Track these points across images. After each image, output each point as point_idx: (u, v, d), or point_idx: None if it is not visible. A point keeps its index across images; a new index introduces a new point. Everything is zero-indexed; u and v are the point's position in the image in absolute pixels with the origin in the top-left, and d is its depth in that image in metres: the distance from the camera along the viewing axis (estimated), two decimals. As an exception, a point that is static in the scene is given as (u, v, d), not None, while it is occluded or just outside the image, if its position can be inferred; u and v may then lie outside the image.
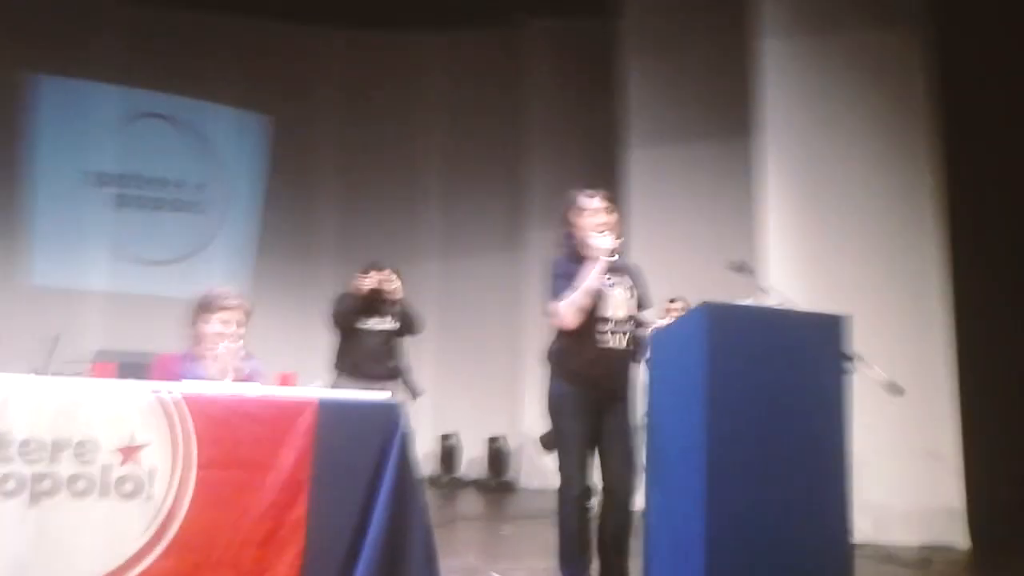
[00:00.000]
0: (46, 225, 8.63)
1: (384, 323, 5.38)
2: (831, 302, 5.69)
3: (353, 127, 9.49)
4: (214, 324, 3.40)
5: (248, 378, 3.38)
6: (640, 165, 7.64)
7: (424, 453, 8.58)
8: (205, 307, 3.47)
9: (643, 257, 7.55)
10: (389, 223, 9.26)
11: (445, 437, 8.46)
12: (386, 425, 2.93)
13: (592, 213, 3.61)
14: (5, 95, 8.49)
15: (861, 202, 6.02)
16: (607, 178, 8.03)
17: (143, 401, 2.72)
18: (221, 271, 9.12)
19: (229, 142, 9.39)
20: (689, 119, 7.52)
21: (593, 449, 3.55)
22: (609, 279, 3.53)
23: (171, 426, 2.72)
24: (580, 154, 8.60)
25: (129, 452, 2.69)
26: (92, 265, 8.73)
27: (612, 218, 3.63)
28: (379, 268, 5.38)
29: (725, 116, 7.19)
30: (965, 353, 5.75)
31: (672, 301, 6.25)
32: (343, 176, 9.53)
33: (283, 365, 8.41)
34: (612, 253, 3.49)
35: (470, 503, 7.37)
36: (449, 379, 8.76)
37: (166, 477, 2.70)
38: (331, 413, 2.88)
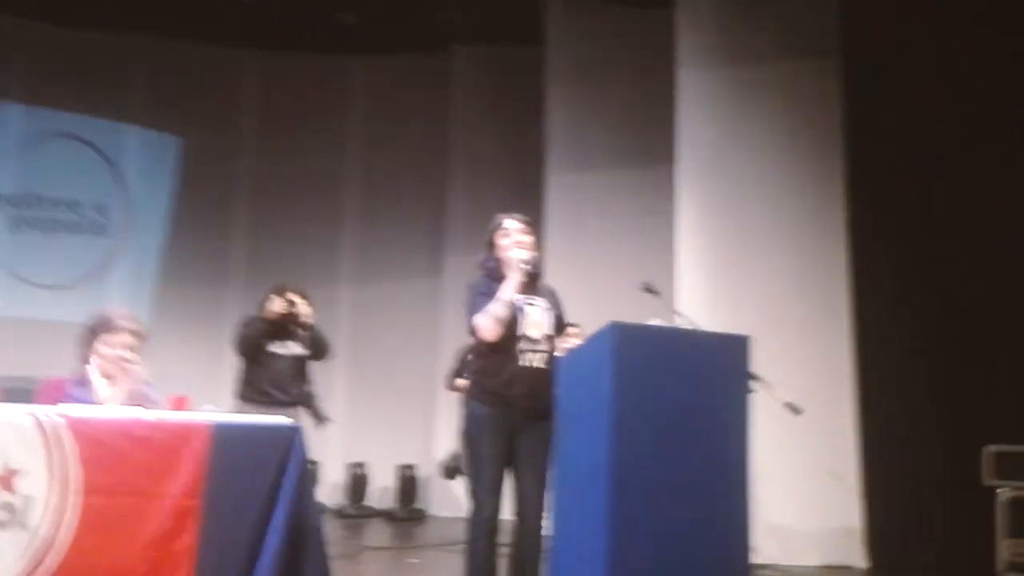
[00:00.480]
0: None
1: (293, 347, 5.23)
2: (738, 323, 5.77)
3: (269, 151, 9.28)
4: (116, 347, 3.22)
5: (140, 403, 3.23)
6: (560, 191, 7.72)
7: (332, 482, 8.38)
8: (107, 328, 3.29)
9: (561, 281, 7.54)
10: (303, 248, 9.05)
11: (354, 465, 8.27)
12: (283, 450, 2.83)
13: (509, 233, 3.67)
14: None
15: (770, 227, 6.22)
16: (529, 204, 8.04)
17: (20, 424, 2.57)
18: (120, 295, 8.74)
19: (135, 163, 9.07)
20: (611, 146, 7.64)
21: (505, 472, 3.53)
22: (526, 298, 3.56)
23: (49, 451, 2.57)
24: (503, 180, 8.61)
25: (5, 479, 2.53)
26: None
27: (529, 238, 3.70)
28: (284, 291, 5.24)
29: (647, 143, 7.33)
30: (867, 374, 5.94)
31: (570, 326, 6.28)
32: (257, 200, 9.30)
33: (186, 392, 8.11)
34: (527, 264, 3.53)
35: (378, 533, 7.20)
36: (360, 406, 8.59)
37: (43, 504, 2.54)
38: (226, 438, 2.77)
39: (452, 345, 6.86)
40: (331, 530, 7.24)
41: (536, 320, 3.56)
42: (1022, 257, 5.33)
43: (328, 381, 8.24)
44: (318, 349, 5.33)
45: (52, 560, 2.51)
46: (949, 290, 5.66)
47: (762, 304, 6.03)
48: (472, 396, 3.62)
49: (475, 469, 3.54)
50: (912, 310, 5.75)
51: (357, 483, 8.21)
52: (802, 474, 5.87)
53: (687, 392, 3.33)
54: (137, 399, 3.24)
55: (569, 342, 5.31)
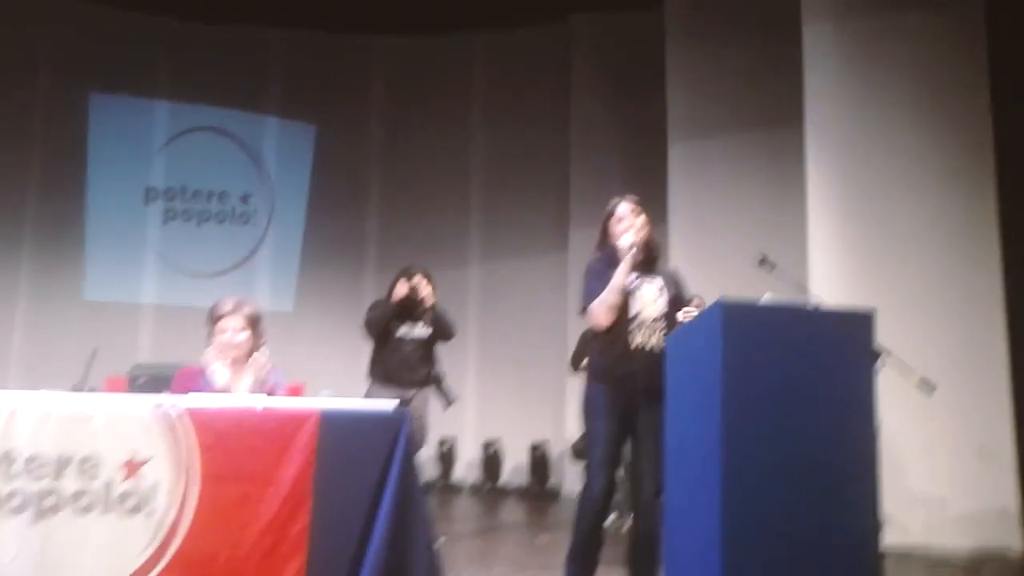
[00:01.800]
0: (98, 240, 8.85)
1: (417, 330, 5.40)
2: (877, 295, 5.55)
3: (396, 132, 9.53)
4: (219, 334, 3.42)
5: (270, 391, 3.38)
6: (682, 159, 7.48)
7: (467, 461, 8.58)
8: (218, 315, 3.50)
9: (686, 252, 7.49)
10: (433, 228, 9.25)
11: (487, 444, 8.41)
12: (389, 435, 2.90)
13: (620, 218, 3.69)
14: (60, 115, 8.73)
15: (911, 191, 5.79)
16: (652, 173, 7.91)
17: (146, 416, 2.74)
18: (266, 281, 9.25)
19: (275, 153, 9.51)
20: (735, 111, 7.33)
21: (621, 450, 3.57)
22: (637, 278, 3.57)
23: (174, 440, 2.73)
24: (625, 150, 8.48)
25: (132, 467, 2.71)
26: (141, 278, 8.93)
27: (639, 220, 3.69)
28: (411, 274, 5.39)
29: (773, 107, 6.99)
30: (1020, 348, 5.50)
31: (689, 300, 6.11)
32: (387, 181, 9.57)
33: (330, 373, 8.57)
34: (635, 248, 3.53)
35: (511, 511, 7.30)
36: (492, 385, 8.72)
37: (168, 492, 2.71)
38: (333, 424, 2.86)
39: (580, 322, 6.83)
40: (466, 507, 7.48)
41: (649, 300, 3.55)
42: None
43: (460, 359, 8.44)
44: (441, 329, 5.45)
45: (176, 544, 2.67)
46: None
47: (904, 274, 5.67)
48: (589, 376, 3.69)
49: (589, 447, 3.59)
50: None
51: (491, 461, 8.34)
52: (953, 452, 5.52)
53: (802, 371, 3.16)
54: (268, 387, 3.40)
55: (686, 315, 5.28)
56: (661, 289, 3.61)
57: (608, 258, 3.66)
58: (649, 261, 3.66)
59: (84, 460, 2.68)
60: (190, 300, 8.84)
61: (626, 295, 3.53)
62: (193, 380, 3.57)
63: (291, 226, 9.41)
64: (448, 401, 5.53)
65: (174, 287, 8.94)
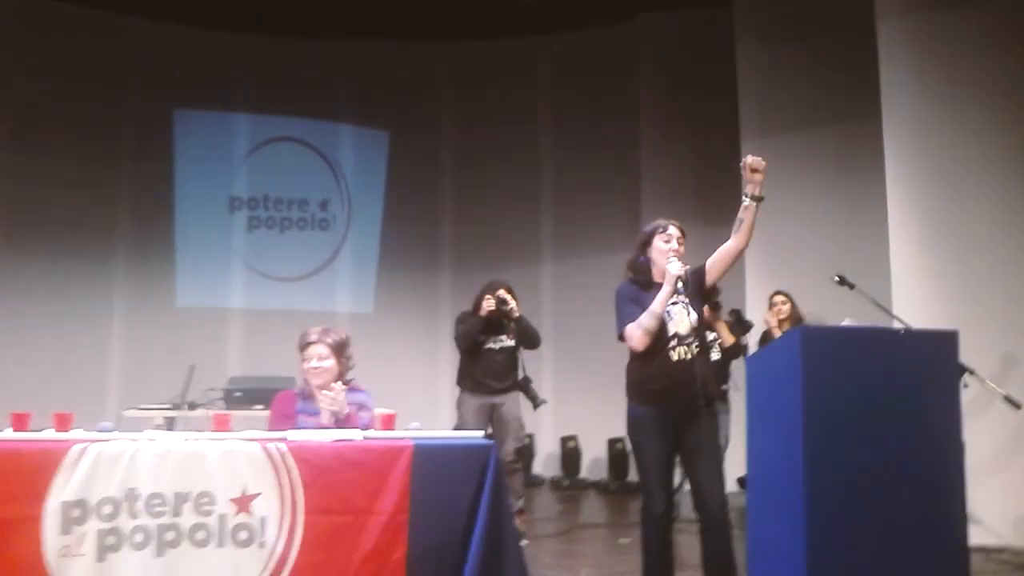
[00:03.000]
0: (187, 249, 9.24)
1: (503, 341, 5.70)
2: (958, 308, 5.48)
3: (467, 136, 9.70)
4: (307, 361, 3.64)
5: (352, 416, 3.56)
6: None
7: (546, 455, 8.73)
8: (299, 346, 3.71)
9: (760, 256, 7.44)
10: (506, 229, 9.41)
11: (566, 440, 8.55)
12: (479, 464, 3.05)
13: (671, 238, 3.69)
14: (148, 132, 9.12)
15: (995, 191, 5.66)
16: (724, 173, 7.86)
17: (253, 453, 2.94)
18: (347, 284, 9.54)
19: (351, 160, 9.77)
20: (807, 109, 7.26)
21: (673, 467, 3.64)
22: (673, 300, 3.59)
23: (278, 476, 2.93)
24: (696, 148, 8.46)
25: (242, 502, 2.91)
26: (229, 284, 9.29)
27: (682, 248, 3.70)
28: (495, 289, 5.63)
29: (845, 104, 6.92)
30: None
31: (776, 294, 6.10)
32: (459, 184, 9.75)
33: (408, 371, 8.76)
34: (682, 279, 3.54)
35: (591, 507, 7.43)
36: (568, 380, 8.84)
37: (276, 524, 2.90)
38: (426, 455, 3.02)
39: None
40: (547, 503, 7.64)
41: (681, 319, 3.59)
42: None
43: (536, 355, 8.54)
44: (527, 339, 5.76)
45: (286, 573, 2.87)
46: None
47: (984, 280, 5.56)
48: (630, 397, 3.74)
49: (641, 468, 3.68)
50: None
51: (570, 456, 8.48)
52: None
53: (886, 392, 3.21)
54: (350, 411, 3.58)
55: (774, 313, 5.32)
56: (688, 307, 3.62)
57: (639, 275, 3.72)
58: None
59: (200, 496, 2.89)
60: (275, 303, 9.20)
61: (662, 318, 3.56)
62: (290, 406, 3.79)
63: (368, 231, 9.68)
64: (535, 404, 5.77)
65: (259, 292, 9.29)
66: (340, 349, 3.75)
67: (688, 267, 3.60)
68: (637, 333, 3.55)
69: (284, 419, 3.80)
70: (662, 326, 3.55)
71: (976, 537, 4.85)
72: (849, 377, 3.18)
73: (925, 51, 5.81)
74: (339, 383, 3.66)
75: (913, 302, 5.50)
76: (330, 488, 2.94)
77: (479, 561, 2.91)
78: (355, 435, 3.10)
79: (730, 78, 7.59)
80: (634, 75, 8.78)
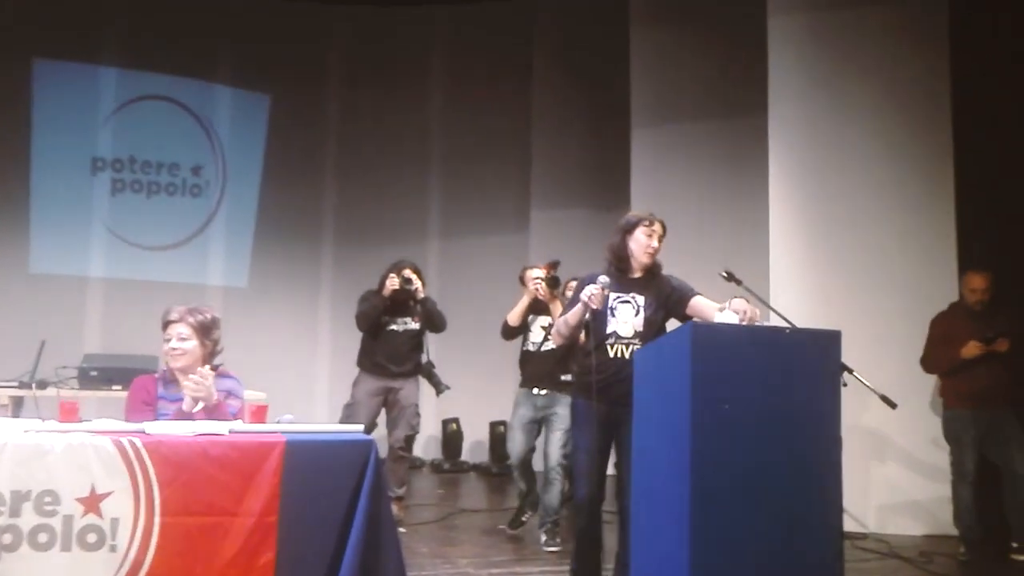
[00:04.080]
0: (43, 211, 8.56)
1: (408, 323, 5.57)
2: (836, 301, 5.63)
3: (354, 103, 9.32)
4: (167, 341, 3.40)
5: (220, 405, 3.31)
6: (645, 143, 7.45)
7: (427, 438, 8.57)
8: (164, 323, 3.44)
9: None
10: (391, 202, 9.14)
11: (447, 422, 8.41)
12: (357, 462, 2.86)
13: (650, 234, 3.72)
14: (3, 79, 8.36)
15: (873, 194, 5.84)
16: (615, 157, 7.87)
17: (103, 449, 2.66)
18: (220, 255, 9.06)
19: (227, 123, 9.24)
20: (699, 96, 7.30)
21: (605, 458, 3.71)
22: (621, 296, 3.66)
23: (132, 474, 2.66)
24: (588, 132, 8.42)
25: (91, 502, 2.63)
26: (89, 251, 8.67)
27: (660, 246, 3.78)
28: (400, 269, 5.44)
29: (736, 95, 6.98)
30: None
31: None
32: (344, 154, 9.39)
33: (285, 348, 8.42)
34: (596, 292, 3.55)
35: (471, 492, 7.33)
36: (451, 362, 8.66)
37: (130, 526, 2.64)
38: (299, 453, 2.81)
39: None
40: (427, 487, 7.50)
41: (624, 319, 3.66)
42: None
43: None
44: (433, 323, 5.66)
45: (140, 580, 2.62)
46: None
47: (865, 274, 5.74)
48: (574, 389, 3.93)
49: (574, 456, 3.85)
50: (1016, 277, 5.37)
51: (451, 439, 8.36)
52: (905, 447, 5.68)
53: (770, 391, 3.20)
54: (218, 398, 3.33)
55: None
56: (640, 308, 3.68)
57: (616, 259, 3.76)
58: (650, 276, 3.75)
59: (42, 495, 2.60)
60: (140, 273, 8.65)
61: (602, 313, 3.64)
62: (149, 391, 3.49)
63: (244, 199, 9.20)
64: (439, 390, 5.67)
65: (123, 260, 8.72)
66: (205, 331, 3.47)
67: (606, 293, 3.61)
68: (555, 332, 3.87)
69: (142, 406, 3.50)
70: (602, 322, 3.63)
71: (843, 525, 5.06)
72: (735, 374, 3.16)
73: (814, 47, 5.91)
74: (206, 367, 3.40)
75: (790, 298, 5.62)
76: (191, 487, 2.69)
77: (354, 566, 2.73)
78: (221, 429, 2.85)
79: (626, 63, 7.55)
80: (530, 53, 8.65)
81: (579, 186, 8.47)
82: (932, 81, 5.74)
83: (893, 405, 4.20)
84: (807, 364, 3.29)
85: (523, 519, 5.49)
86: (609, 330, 3.64)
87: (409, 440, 5.69)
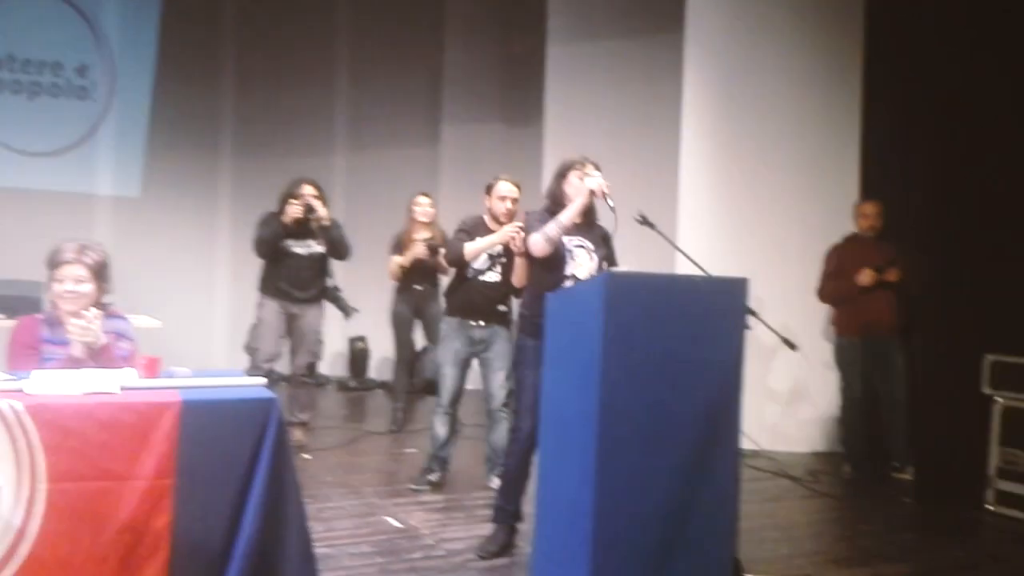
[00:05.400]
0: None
1: (311, 246, 5.34)
2: (746, 246, 5.71)
3: (257, 6, 8.76)
4: (60, 282, 3.18)
5: (108, 348, 3.15)
6: (561, 61, 7.26)
7: (333, 355, 8.46)
8: (49, 264, 3.22)
9: (559, 159, 7.38)
10: (295, 112, 8.73)
11: (354, 340, 8.32)
12: (258, 421, 2.75)
13: (581, 178, 3.69)
14: None
15: (789, 132, 5.89)
16: (528, 73, 7.67)
17: (-21, 412, 2.47)
18: (109, 162, 8.54)
19: (114, 19, 8.56)
20: (615, 13, 7.11)
21: None
22: (577, 240, 3.68)
23: (13, 438, 2.49)
24: (502, 47, 8.16)
25: (-33, 470, 2.46)
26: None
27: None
28: (300, 190, 5.21)
29: (654, 15, 6.82)
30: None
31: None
32: (244, 55, 8.89)
33: (180, 264, 8.08)
34: (601, 193, 3.59)
35: (377, 412, 7.29)
36: (359, 278, 8.51)
37: (12, 494, 2.49)
38: (196, 412, 2.67)
39: (449, 217, 6.72)
40: (333, 407, 7.44)
41: (582, 263, 3.68)
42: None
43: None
44: (337, 250, 5.44)
45: (25, 550, 2.48)
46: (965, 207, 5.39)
47: (771, 210, 5.82)
48: (520, 329, 3.87)
49: (517, 392, 3.88)
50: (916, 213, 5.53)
51: (358, 357, 8.29)
52: (799, 371, 5.91)
53: (679, 339, 3.22)
54: (107, 341, 3.16)
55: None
56: (592, 252, 3.72)
57: (554, 204, 3.72)
58: (589, 222, 3.75)
59: (-91, 464, 2.42)
60: (23, 181, 8.10)
61: (563, 254, 3.64)
62: (33, 335, 3.29)
63: (136, 103, 8.63)
64: (347, 314, 5.59)
65: (4, 167, 8.12)
66: (100, 271, 3.27)
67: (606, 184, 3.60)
68: (540, 240, 3.61)
69: (26, 350, 3.29)
70: (560, 263, 3.61)
71: (743, 443, 5.26)
72: (646, 322, 3.16)
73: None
74: (93, 309, 3.20)
75: (699, 239, 5.66)
76: (78, 452, 2.54)
77: (255, 528, 2.66)
78: (112, 387, 2.69)
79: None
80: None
81: (492, 101, 8.26)
82: (845, 18, 5.74)
83: (794, 347, 4.32)
84: (715, 312, 3.31)
85: (432, 478, 4.85)
86: (568, 272, 3.64)
87: (311, 367, 5.60)
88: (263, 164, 8.14)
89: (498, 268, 4.58)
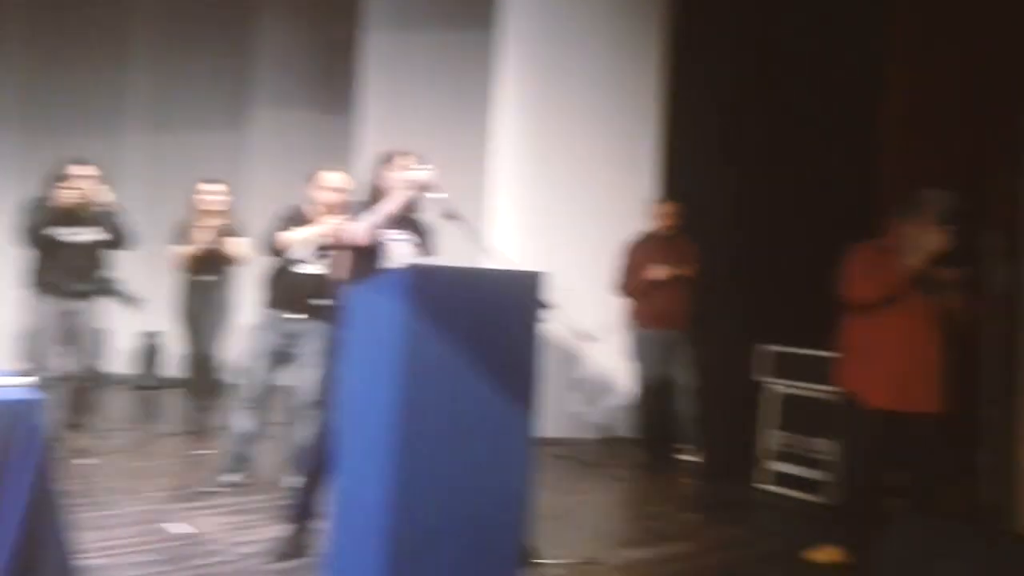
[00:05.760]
0: None
1: (86, 234, 4.91)
2: (551, 224, 5.85)
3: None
4: None
5: None
6: (378, 50, 7.12)
7: (123, 351, 7.93)
8: None
9: (376, 142, 7.25)
10: (87, 89, 8.10)
11: (146, 335, 7.84)
12: (15, 428, 2.51)
13: (408, 165, 3.63)
14: None
15: (587, 118, 6.10)
16: (342, 60, 7.47)
17: None
18: None
19: None
20: (433, 3, 7.06)
21: None
22: (394, 233, 3.59)
23: None
24: (315, 32, 7.92)
25: None
26: None
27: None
28: (68, 171, 4.77)
29: (470, 4, 6.83)
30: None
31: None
32: (32, 32, 8.14)
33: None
34: (424, 187, 3.54)
35: (168, 410, 6.89)
36: (154, 270, 8.03)
37: None
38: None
39: (255, 205, 6.48)
40: (124, 405, 6.97)
41: (400, 255, 3.58)
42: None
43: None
44: (119, 240, 5.05)
45: None
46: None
47: (578, 204, 6.02)
48: (337, 323, 3.65)
49: (329, 387, 3.67)
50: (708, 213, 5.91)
51: (150, 353, 7.84)
52: (597, 360, 6.15)
53: (477, 334, 3.25)
54: None
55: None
56: (412, 246, 3.66)
57: (373, 195, 3.64)
58: (408, 216, 3.66)
59: None
60: None
61: (383, 247, 3.55)
62: None
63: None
64: (127, 305, 5.23)
65: None
66: None
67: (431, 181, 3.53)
68: (359, 232, 3.51)
69: None
70: (374, 255, 3.50)
71: (541, 432, 5.41)
72: (446, 315, 3.17)
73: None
74: None
75: (508, 234, 5.78)
76: None
77: (11, 546, 2.43)
78: None
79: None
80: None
81: (304, 87, 8.04)
82: (649, 21, 6.01)
83: (591, 339, 4.50)
84: (512, 304, 3.37)
85: (230, 478, 4.62)
86: (382, 265, 3.55)
87: (91, 369, 5.19)
88: (52, 139, 7.50)
89: (320, 260, 4.40)
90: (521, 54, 6.09)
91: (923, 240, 3.74)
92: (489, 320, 3.29)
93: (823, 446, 4.89)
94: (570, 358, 6.13)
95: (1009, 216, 4.20)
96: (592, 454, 5.86)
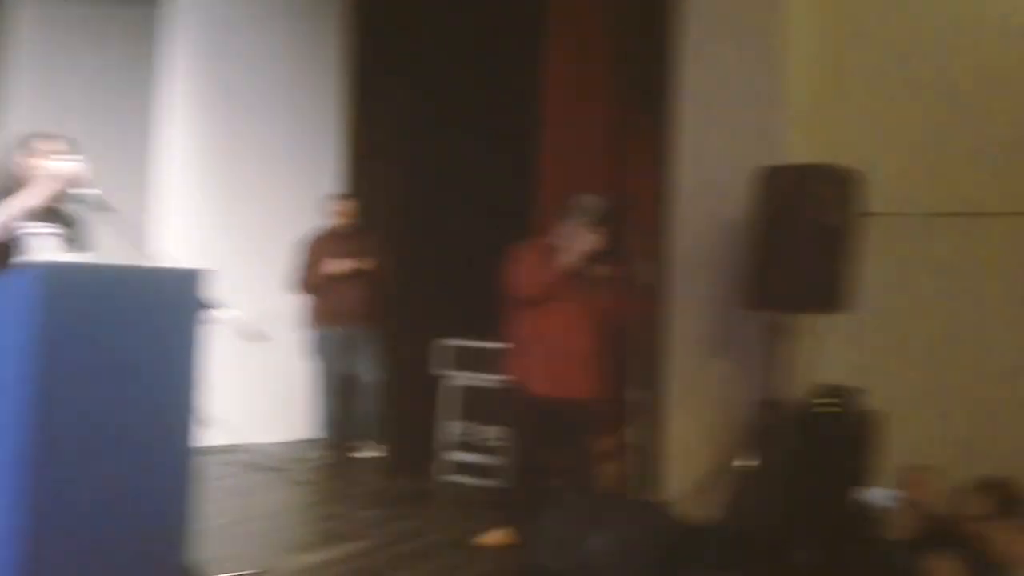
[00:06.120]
0: None
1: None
2: (221, 222, 5.56)
3: None
4: None
5: None
6: (31, 16, 6.33)
7: None
8: None
9: (26, 119, 6.44)
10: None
11: None
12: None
13: (49, 153, 3.25)
14: None
15: (261, 109, 5.88)
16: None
17: None
18: None
19: None
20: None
21: None
22: (37, 225, 3.22)
23: None
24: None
25: None
26: None
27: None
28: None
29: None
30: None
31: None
32: None
33: None
34: (70, 182, 3.20)
35: None
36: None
37: None
38: None
39: None
40: None
41: (42, 251, 3.20)
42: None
43: None
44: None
45: None
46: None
47: (251, 192, 5.79)
48: None
49: None
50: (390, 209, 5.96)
51: None
52: (272, 358, 5.95)
53: (126, 335, 3.01)
54: None
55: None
56: (58, 240, 3.29)
57: (7, 191, 3.20)
58: (55, 207, 3.28)
59: None
60: None
61: (21, 242, 3.16)
62: None
63: None
64: None
65: None
66: None
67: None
68: None
69: None
70: (8, 251, 3.10)
71: (215, 439, 5.13)
72: (89, 317, 2.91)
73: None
74: None
75: (174, 228, 5.43)
76: None
77: None
78: None
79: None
80: None
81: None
82: (331, 13, 5.93)
83: (265, 340, 4.35)
84: (168, 305, 3.17)
85: None
86: (21, 260, 3.13)
87: None
88: None
89: None
90: (192, 36, 5.74)
91: (579, 240, 4.03)
92: (140, 321, 3.07)
93: (496, 433, 5.12)
94: (246, 360, 5.86)
95: (650, 218, 4.65)
96: (272, 458, 5.65)
